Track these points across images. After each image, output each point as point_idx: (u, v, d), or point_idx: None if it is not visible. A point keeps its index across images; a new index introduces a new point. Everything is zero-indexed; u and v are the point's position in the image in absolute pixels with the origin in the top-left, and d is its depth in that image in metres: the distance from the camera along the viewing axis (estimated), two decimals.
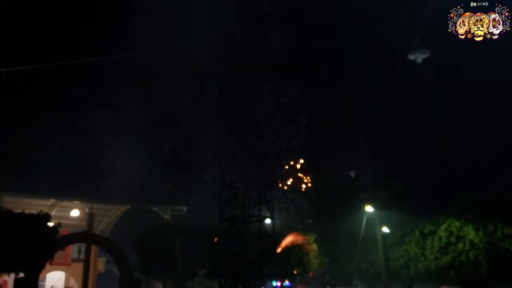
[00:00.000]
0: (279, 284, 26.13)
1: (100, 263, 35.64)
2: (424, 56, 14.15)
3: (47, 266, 21.83)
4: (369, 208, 27.93)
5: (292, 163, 36.36)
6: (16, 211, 21.10)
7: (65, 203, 30.70)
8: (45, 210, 23.51)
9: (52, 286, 30.26)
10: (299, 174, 36.84)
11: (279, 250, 23.60)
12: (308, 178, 36.75)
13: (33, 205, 27.56)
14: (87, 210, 30.31)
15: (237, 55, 20.85)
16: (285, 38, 21.19)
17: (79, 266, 30.68)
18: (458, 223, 22.96)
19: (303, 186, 36.13)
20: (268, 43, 20.94)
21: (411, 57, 14.23)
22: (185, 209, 31.77)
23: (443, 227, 23.43)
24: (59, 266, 31.67)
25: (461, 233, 22.65)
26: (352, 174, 28.94)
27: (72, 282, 34.13)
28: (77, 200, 30.34)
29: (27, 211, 21.54)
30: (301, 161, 36.90)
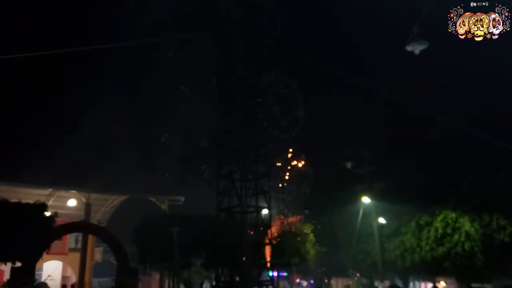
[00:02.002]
0: (275, 274, 26.27)
1: (97, 253, 35.74)
2: (422, 47, 14.07)
3: (44, 255, 21.89)
4: (366, 199, 28.05)
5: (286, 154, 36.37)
6: (13, 200, 21.11)
7: (62, 193, 30.70)
8: (42, 199, 23.52)
9: (49, 276, 30.30)
10: (293, 163, 36.84)
11: (273, 231, 23.55)
12: (302, 162, 36.71)
13: (30, 195, 27.54)
14: (84, 200, 30.33)
15: (235, 47, 20.79)
16: (284, 29, 21.13)
17: (76, 256, 30.77)
18: (454, 215, 23.09)
19: (299, 169, 36.06)
20: (267, 33, 20.88)
21: (409, 48, 14.14)
22: (182, 199, 31.81)
23: (439, 218, 23.55)
24: (56, 255, 31.73)
25: (457, 224, 22.78)
26: (349, 165, 28.94)
27: (69, 271, 34.23)
28: (74, 190, 30.34)
29: (23, 201, 21.55)
30: (290, 150, 36.80)
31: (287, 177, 35.71)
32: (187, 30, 21.49)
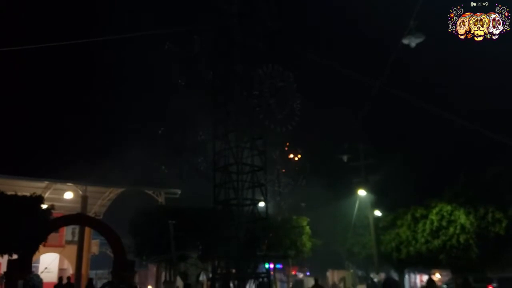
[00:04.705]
0: (272, 266, 26.38)
1: (94, 245, 35.81)
2: (418, 40, 14.09)
3: (41, 248, 21.87)
4: (361, 192, 28.17)
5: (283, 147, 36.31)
6: (9, 193, 21.07)
7: (59, 186, 30.66)
8: (38, 192, 23.48)
9: (46, 268, 30.35)
10: (290, 156, 36.82)
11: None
12: (299, 156, 36.70)
13: (26, 187, 27.52)
14: (80, 192, 30.30)
15: (232, 37, 20.71)
16: (281, 22, 21.03)
17: (73, 248, 30.80)
18: (449, 207, 23.24)
19: (295, 162, 36.04)
20: (263, 24, 20.80)
21: (405, 41, 14.16)
22: (179, 192, 31.81)
23: (434, 211, 23.70)
24: (53, 248, 31.78)
25: (452, 217, 22.94)
26: (345, 158, 29.03)
27: (66, 264, 34.31)
28: (70, 183, 30.30)
29: (20, 193, 21.51)
30: (287, 143, 36.79)
31: (283, 170, 35.72)
32: (184, 23, 21.42)
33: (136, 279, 29.92)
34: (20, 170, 29.54)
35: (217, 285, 20.29)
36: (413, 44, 13.96)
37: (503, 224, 21.69)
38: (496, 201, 22.23)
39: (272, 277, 24.30)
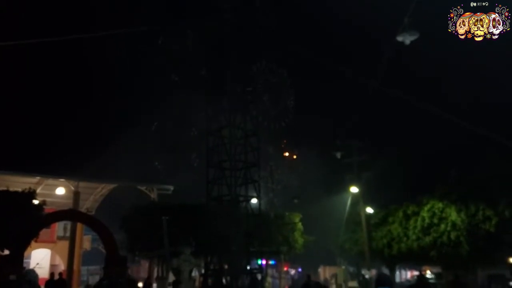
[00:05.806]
0: (264, 262, 26.46)
1: (85, 241, 35.71)
2: (412, 38, 14.16)
3: (33, 243, 21.77)
4: (354, 189, 28.29)
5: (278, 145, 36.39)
6: (1, 188, 20.96)
7: (51, 181, 30.52)
8: (30, 187, 23.34)
9: (38, 264, 30.23)
10: (285, 154, 36.92)
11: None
12: (294, 156, 36.84)
13: (18, 183, 27.34)
14: (72, 188, 30.19)
15: (227, 33, 20.68)
16: (277, 20, 21.03)
17: (65, 244, 30.70)
18: (441, 204, 23.38)
19: (290, 161, 36.18)
20: (257, 21, 20.79)
21: (399, 38, 14.22)
22: (171, 188, 31.80)
23: (426, 208, 23.84)
24: (45, 243, 31.66)
25: (443, 214, 23.08)
26: (338, 155, 29.13)
27: (58, 259, 34.18)
28: (62, 178, 30.17)
29: (12, 189, 21.39)
30: (285, 141, 36.90)
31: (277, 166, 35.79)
32: (178, 19, 21.36)
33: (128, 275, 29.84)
34: (12, 165, 29.40)
35: (209, 281, 20.34)
36: (407, 42, 14.01)
37: (494, 222, 21.82)
38: (487, 198, 22.38)
39: (264, 273, 24.38)
